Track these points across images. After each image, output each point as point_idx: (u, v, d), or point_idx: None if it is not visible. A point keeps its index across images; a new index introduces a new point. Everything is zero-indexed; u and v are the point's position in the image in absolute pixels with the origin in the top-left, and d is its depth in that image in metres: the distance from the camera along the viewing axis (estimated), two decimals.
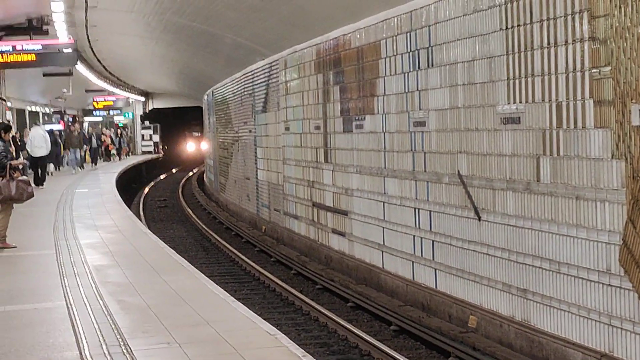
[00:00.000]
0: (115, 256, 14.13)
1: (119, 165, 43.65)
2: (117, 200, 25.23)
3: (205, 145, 60.65)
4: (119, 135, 55.35)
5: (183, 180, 49.42)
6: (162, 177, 55.11)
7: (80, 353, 7.98)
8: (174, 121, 70.02)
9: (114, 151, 53.38)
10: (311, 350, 11.37)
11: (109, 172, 38.81)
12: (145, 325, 9.09)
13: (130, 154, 58.78)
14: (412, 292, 13.79)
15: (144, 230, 18.52)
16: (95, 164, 43.51)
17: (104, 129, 58.16)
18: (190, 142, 75.02)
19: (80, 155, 40.84)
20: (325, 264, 18.14)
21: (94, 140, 44.60)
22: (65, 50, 26.28)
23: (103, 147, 49.82)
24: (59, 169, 39.15)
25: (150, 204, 36.06)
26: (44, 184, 29.78)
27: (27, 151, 30.27)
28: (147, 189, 43.45)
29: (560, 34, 9.61)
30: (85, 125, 62.03)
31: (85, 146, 41.79)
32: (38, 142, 30.50)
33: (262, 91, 24.11)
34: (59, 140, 38.35)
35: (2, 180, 14.97)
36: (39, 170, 30.12)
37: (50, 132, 38.87)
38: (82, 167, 40.47)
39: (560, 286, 9.79)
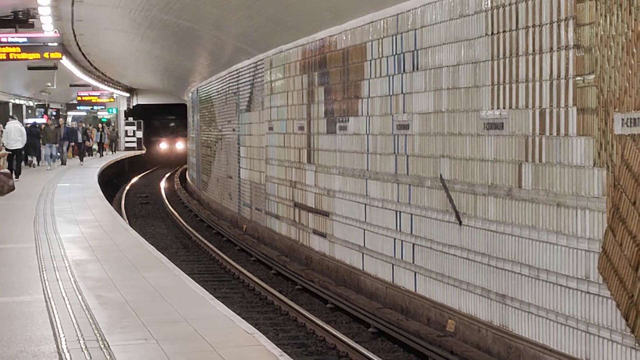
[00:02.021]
0: (95, 251, 14.10)
1: (100, 162, 43.43)
2: (98, 196, 25.20)
3: (180, 145, 59.55)
4: (100, 130, 54.90)
5: (165, 178, 49.27)
6: (144, 173, 54.94)
7: (58, 347, 7.96)
8: (156, 118, 66.41)
9: (95, 146, 52.96)
10: (289, 351, 11.37)
11: (91, 167, 38.74)
12: (123, 320, 9.08)
13: (114, 150, 58.18)
14: (392, 295, 13.80)
15: (125, 226, 18.50)
16: (81, 160, 42.87)
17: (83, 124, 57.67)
18: (167, 141, 67.94)
19: (62, 151, 40.55)
20: (306, 265, 18.14)
21: (79, 135, 43.77)
22: (50, 44, 26.22)
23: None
24: (39, 163, 38.91)
25: (132, 200, 35.99)
26: (19, 176, 29.71)
27: (3, 144, 30.26)
28: (128, 186, 43.34)
29: (546, 41, 9.63)
30: (69, 119, 61.74)
31: (67, 142, 41.13)
32: (14, 135, 30.57)
33: (246, 90, 24.10)
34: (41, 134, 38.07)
35: None
36: (15, 163, 30.13)
37: (33, 125, 38.81)
38: (64, 162, 40.10)
39: (539, 292, 9.81)
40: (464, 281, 11.54)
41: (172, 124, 65.53)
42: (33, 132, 36.67)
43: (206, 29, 23.21)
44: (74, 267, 12.45)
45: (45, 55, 26.44)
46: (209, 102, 32.73)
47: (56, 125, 39.45)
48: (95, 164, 40.73)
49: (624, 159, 8.43)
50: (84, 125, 50.70)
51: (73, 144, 44.10)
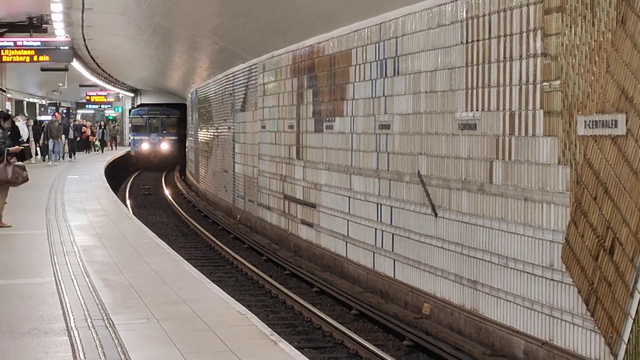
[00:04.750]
0: (102, 238, 14.08)
1: (103, 157, 42.75)
2: (105, 187, 25.15)
3: (166, 146, 49.04)
4: (103, 127, 53.75)
5: (166, 172, 48.72)
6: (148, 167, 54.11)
7: (67, 325, 7.94)
8: (139, 115, 52.07)
9: (97, 142, 51.89)
10: (278, 330, 11.33)
11: (99, 161, 38.57)
12: (127, 302, 9.06)
13: (116, 146, 56.71)
14: (372, 280, 13.78)
15: (129, 215, 18.48)
16: (73, 157, 40.16)
17: (85, 120, 56.65)
18: (149, 141, 50.02)
19: (69, 146, 39.79)
20: (294, 252, 18.12)
21: (71, 132, 40.81)
22: (62, 48, 26.20)
23: (80, 139, 45.56)
24: (46, 159, 37.77)
25: (135, 192, 35.88)
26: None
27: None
28: (132, 178, 43.12)
29: (516, 49, 9.62)
30: (78, 117, 61.46)
31: (64, 137, 38.68)
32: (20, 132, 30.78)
33: (241, 92, 24.04)
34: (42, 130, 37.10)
35: None
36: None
37: (37, 123, 38.32)
38: (62, 157, 38.56)
39: (507, 279, 9.81)
40: (438, 268, 11.53)
41: (155, 123, 50.30)
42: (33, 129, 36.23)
43: (204, 35, 23.16)
44: (82, 252, 12.41)
45: (57, 58, 26.45)
46: (207, 102, 32.65)
47: (59, 122, 38.12)
48: (100, 159, 40.50)
49: (586, 157, 8.44)
50: (75, 121, 49.07)
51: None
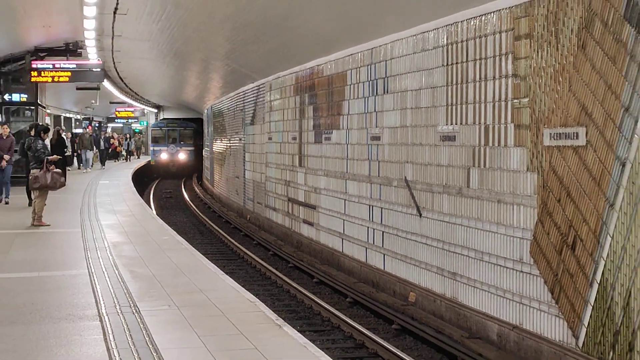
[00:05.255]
0: (129, 235, 14.08)
1: (130, 165, 42.68)
2: (132, 191, 25.14)
3: (183, 156, 48.32)
4: (129, 139, 53.70)
5: (185, 179, 48.50)
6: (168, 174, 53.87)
7: (98, 311, 7.97)
8: (158, 127, 50.58)
9: (123, 152, 51.83)
10: (283, 316, 11.34)
11: (126, 168, 38.51)
12: (151, 291, 9.08)
13: (139, 155, 56.53)
14: (365, 272, 13.79)
15: (153, 216, 18.47)
16: (103, 165, 40.41)
17: (114, 132, 56.59)
18: (167, 151, 48.73)
19: (99, 155, 39.70)
20: (297, 248, 18.11)
21: (102, 143, 41.05)
22: (94, 70, 26.22)
23: (111, 149, 45.99)
24: (80, 167, 37.81)
25: (159, 195, 35.85)
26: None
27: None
28: (155, 183, 43.01)
29: (490, 71, 9.65)
30: (109, 129, 61.34)
31: (95, 148, 38.55)
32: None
33: (251, 108, 24.05)
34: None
35: (40, 171, 14.92)
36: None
37: (73, 135, 38.07)
38: (92, 166, 38.33)
39: (483, 271, 9.83)
40: (423, 261, 11.54)
41: (173, 134, 49.17)
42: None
43: (218, 59, 23.18)
44: (112, 248, 12.43)
45: (90, 79, 26.45)
46: (221, 116, 32.64)
47: (90, 134, 37.93)
48: (128, 167, 40.42)
49: (551, 165, 8.46)
50: (106, 133, 48.89)
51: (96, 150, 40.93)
